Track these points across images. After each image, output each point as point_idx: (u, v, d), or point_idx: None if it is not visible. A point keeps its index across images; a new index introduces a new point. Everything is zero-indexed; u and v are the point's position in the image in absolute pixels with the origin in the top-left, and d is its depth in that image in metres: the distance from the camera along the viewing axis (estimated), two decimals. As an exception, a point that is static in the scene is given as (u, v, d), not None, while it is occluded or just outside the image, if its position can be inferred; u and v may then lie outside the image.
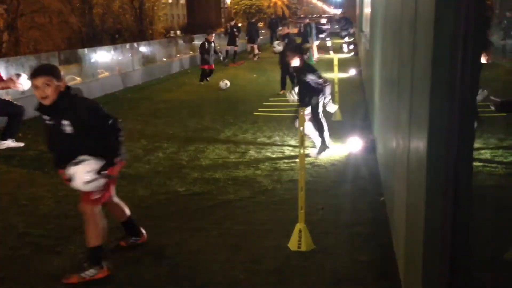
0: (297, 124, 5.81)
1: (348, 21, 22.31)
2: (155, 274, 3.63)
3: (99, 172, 3.43)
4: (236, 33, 19.45)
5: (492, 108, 1.85)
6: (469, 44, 2.04)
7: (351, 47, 20.80)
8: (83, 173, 3.40)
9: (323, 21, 21.64)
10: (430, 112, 2.22)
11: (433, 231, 2.27)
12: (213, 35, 13.03)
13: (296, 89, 6.74)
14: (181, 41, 20.14)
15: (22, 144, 7.42)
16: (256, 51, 21.13)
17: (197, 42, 21.42)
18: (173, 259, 3.85)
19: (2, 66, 9.40)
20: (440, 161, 2.19)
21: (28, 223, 4.60)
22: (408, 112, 2.98)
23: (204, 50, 13.00)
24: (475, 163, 2.17)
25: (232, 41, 19.32)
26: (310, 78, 6.33)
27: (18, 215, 4.79)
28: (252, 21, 24.15)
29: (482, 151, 2.34)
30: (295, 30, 22.47)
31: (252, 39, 21.18)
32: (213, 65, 13.34)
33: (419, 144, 2.47)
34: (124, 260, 3.83)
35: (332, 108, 6.99)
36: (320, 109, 6.53)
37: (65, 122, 3.44)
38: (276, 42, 11.49)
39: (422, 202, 2.35)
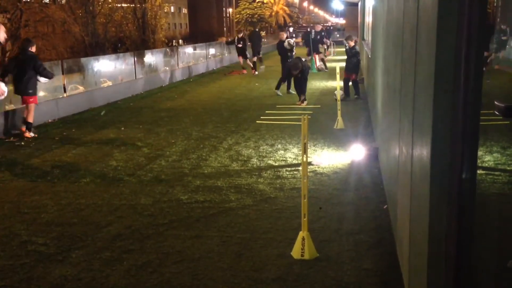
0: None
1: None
2: (157, 282, 3.62)
3: None
4: (240, 45, 19.48)
5: (497, 113, 1.84)
6: (472, 52, 2.05)
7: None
8: None
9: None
10: (434, 120, 2.22)
11: (437, 240, 2.26)
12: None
13: None
14: (183, 50, 20.19)
15: None
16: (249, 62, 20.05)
17: (199, 51, 21.55)
18: (175, 267, 3.83)
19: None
20: (444, 169, 2.19)
21: (31, 231, 4.59)
22: (411, 120, 2.98)
23: None
24: (478, 171, 2.15)
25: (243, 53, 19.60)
26: None
27: (20, 224, 4.79)
28: (256, 29, 25.42)
29: (485, 159, 2.34)
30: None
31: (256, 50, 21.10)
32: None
33: (423, 152, 2.47)
34: (126, 268, 3.82)
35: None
36: None
37: None
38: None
39: (426, 211, 2.34)
